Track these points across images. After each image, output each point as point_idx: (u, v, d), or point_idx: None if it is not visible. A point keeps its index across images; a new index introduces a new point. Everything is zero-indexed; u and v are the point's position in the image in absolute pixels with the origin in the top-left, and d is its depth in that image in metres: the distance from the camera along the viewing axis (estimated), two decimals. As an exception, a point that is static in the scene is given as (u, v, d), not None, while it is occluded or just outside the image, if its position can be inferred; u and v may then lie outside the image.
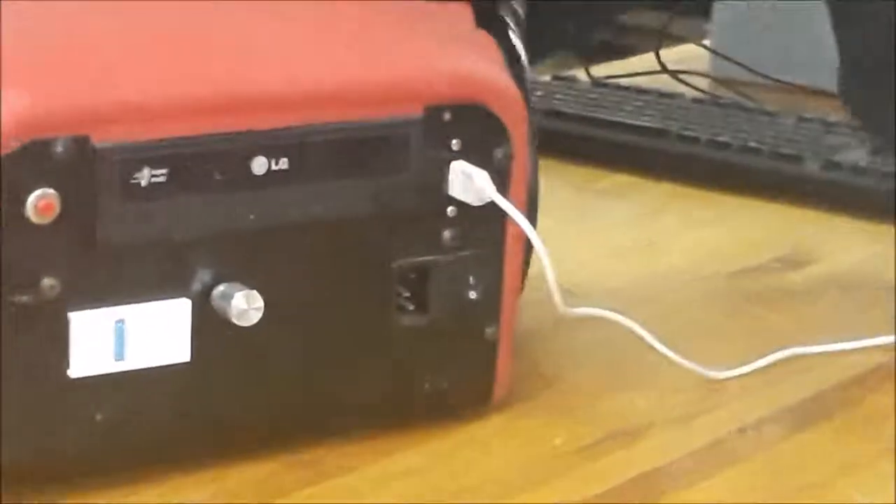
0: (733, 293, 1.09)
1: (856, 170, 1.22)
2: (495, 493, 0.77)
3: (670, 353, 0.88)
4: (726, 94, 1.43)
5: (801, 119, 1.32)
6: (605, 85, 1.44)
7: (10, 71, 0.68)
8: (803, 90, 1.44)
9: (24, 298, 0.66)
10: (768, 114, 1.35)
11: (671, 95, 1.42)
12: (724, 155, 1.23)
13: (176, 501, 0.73)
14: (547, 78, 1.47)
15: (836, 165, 1.23)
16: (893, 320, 0.99)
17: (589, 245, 0.95)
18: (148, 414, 0.72)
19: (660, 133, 1.27)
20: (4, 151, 0.65)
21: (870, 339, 0.96)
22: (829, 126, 1.32)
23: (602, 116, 1.31)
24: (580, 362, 0.92)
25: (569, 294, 0.87)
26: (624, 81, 1.46)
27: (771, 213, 1.20)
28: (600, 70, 1.52)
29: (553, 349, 0.92)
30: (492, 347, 0.81)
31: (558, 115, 1.29)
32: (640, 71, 1.49)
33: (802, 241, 1.15)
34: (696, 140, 1.24)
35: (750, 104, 1.39)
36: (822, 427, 0.88)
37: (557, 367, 0.90)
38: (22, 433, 0.70)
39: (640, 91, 1.40)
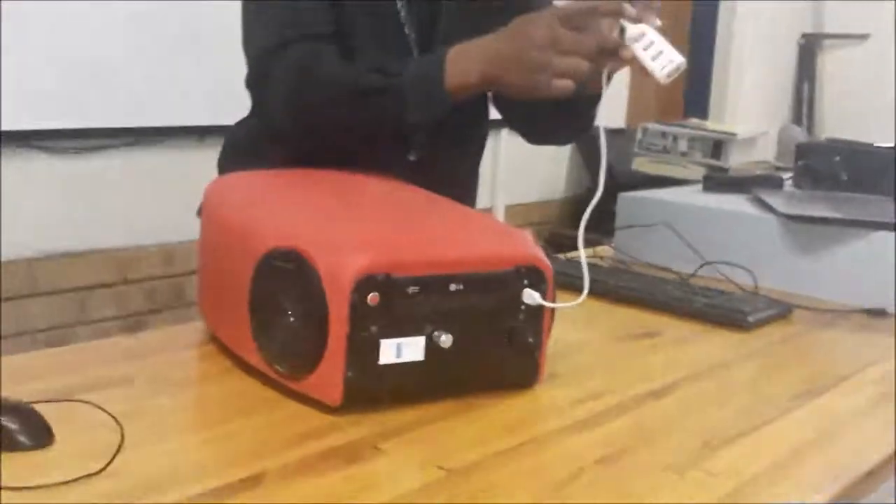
0: (629, 344, 1.11)
1: (682, 300, 1.23)
2: (539, 418, 0.88)
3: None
4: (621, 267, 1.42)
5: (663, 280, 1.34)
6: (568, 261, 1.32)
7: (356, 249, 0.81)
8: (659, 268, 1.42)
9: (365, 334, 0.80)
10: (642, 275, 1.37)
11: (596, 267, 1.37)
12: (626, 293, 1.27)
13: (415, 417, 0.82)
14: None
15: (683, 300, 1.24)
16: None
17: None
18: (408, 379, 0.83)
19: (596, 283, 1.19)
20: (358, 281, 0.78)
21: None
22: (682, 281, 1.34)
23: (569, 272, 1.19)
24: (574, 371, 0.97)
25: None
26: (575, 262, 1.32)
27: (647, 317, 1.21)
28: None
29: (559, 364, 0.95)
30: (538, 359, 0.90)
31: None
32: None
33: (666, 328, 1.18)
34: (607, 284, 1.27)
35: (634, 271, 1.40)
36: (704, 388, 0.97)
37: (562, 371, 0.95)
38: (362, 383, 0.81)
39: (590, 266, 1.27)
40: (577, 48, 0.96)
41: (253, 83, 1.17)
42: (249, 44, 1.17)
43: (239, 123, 1.33)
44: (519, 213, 3.68)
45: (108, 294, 2.50)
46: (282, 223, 0.88)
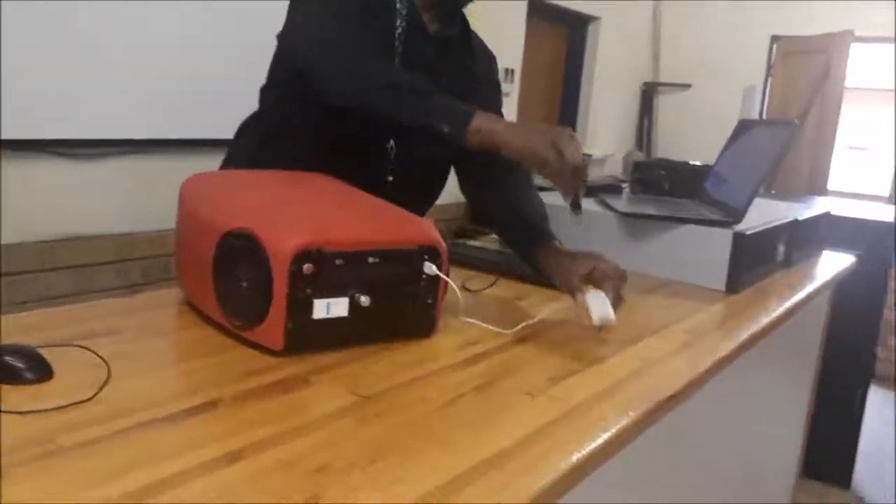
0: (503, 305, 1.07)
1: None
2: (433, 358, 0.84)
3: (480, 323, 0.94)
4: (505, 251, 1.28)
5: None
6: (465, 245, 1.39)
7: (295, 230, 0.78)
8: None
9: (301, 295, 0.77)
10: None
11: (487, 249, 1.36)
12: (506, 269, 1.21)
13: (338, 358, 0.80)
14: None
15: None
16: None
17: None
18: (334, 330, 0.81)
19: (486, 261, 1.28)
20: (296, 254, 0.75)
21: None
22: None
23: (465, 253, 1.30)
24: (460, 324, 0.95)
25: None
26: (469, 245, 1.39)
27: (520, 286, 1.18)
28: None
29: (449, 319, 0.95)
30: (433, 316, 0.89)
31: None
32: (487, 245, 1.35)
33: (532, 293, 1.16)
34: (494, 262, 1.24)
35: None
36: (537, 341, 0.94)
37: (452, 324, 0.94)
38: (299, 332, 0.76)
39: (480, 248, 1.37)
40: (568, 156, 0.92)
41: (282, 36, 1.05)
42: (288, 22, 1.03)
43: (245, 123, 1.23)
44: (435, 211, 3.69)
45: (111, 269, 2.44)
46: (237, 210, 0.85)
